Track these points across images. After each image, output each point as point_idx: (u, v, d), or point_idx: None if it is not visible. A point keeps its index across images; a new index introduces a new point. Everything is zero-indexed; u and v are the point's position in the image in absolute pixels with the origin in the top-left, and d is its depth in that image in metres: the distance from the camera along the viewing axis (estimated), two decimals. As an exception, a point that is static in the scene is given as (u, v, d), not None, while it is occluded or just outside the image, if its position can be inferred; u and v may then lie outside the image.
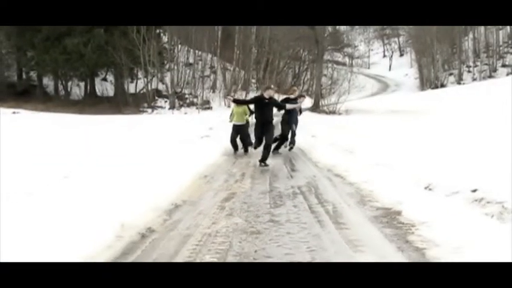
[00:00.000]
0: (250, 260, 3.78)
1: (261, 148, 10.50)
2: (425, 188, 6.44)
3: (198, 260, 3.77)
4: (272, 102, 10.76)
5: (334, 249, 4.04)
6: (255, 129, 10.76)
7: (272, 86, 11.69)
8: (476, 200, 5.30)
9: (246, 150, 12.36)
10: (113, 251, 4.00)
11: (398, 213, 5.29)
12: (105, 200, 5.36)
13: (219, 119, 21.46)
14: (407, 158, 8.52)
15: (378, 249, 4.05)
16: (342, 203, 6.14)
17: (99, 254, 3.84)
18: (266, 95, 10.68)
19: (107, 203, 5.17)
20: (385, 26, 77.16)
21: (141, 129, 18.80)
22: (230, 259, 3.79)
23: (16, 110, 32.01)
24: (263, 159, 10.14)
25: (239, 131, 12.50)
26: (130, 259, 3.86)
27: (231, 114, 13.13)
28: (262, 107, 10.59)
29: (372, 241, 4.29)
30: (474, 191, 5.57)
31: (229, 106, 41.53)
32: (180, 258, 3.82)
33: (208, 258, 3.80)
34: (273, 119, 10.83)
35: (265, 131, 10.54)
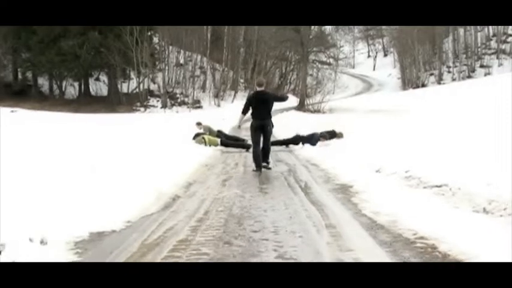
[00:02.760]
0: (248, 209, 5.94)
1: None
2: (376, 171, 8.56)
3: (213, 211, 5.89)
4: (270, 96, 10.21)
5: (301, 205, 6.24)
6: (252, 136, 10.09)
7: (262, 78, 11.87)
8: (405, 177, 7.47)
9: (243, 147, 13.76)
10: (157, 206, 6.13)
11: (351, 186, 7.45)
12: (139, 178, 7.39)
13: (210, 117, 23.45)
14: (369, 149, 10.63)
15: (329, 204, 6.23)
16: (312, 181, 8.30)
17: (149, 207, 5.96)
18: (259, 87, 10.23)
19: (142, 180, 7.22)
20: (369, 27, 79.35)
21: (141, 127, 20.74)
22: (234, 209, 5.94)
23: (14, 109, 33.56)
24: (265, 160, 9.82)
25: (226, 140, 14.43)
26: (171, 210, 5.99)
27: (203, 141, 13.87)
28: (259, 104, 9.89)
29: (326, 201, 6.49)
30: (407, 171, 7.74)
31: (218, 105, 43.65)
32: (202, 210, 5.94)
33: (220, 209, 5.96)
34: (271, 121, 10.03)
35: (262, 134, 9.90)
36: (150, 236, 4.71)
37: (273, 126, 10.17)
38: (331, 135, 14.14)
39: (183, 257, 4.02)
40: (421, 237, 4.42)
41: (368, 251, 4.16)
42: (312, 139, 13.83)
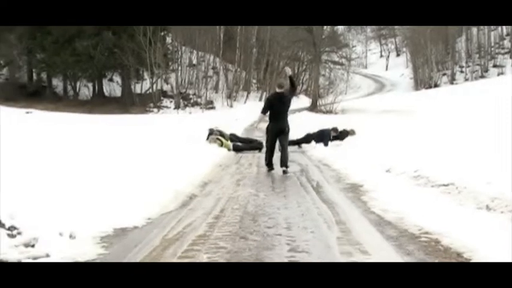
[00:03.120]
0: (262, 207, 6.22)
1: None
2: (386, 171, 8.82)
3: (229, 209, 6.17)
4: (289, 98, 10.02)
5: (312, 203, 6.53)
6: (268, 139, 10.16)
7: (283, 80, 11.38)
8: (414, 177, 7.74)
9: (255, 148, 14.15)
10: (176, 204, 6.43)
11: (361, 186, 7.72)
12: (157, 178, 7.66)
13: (222, 118, 23.79)
14: (380, 150, 10.87)
15: (340, 203, 6.51)
16: (324, 181, 8.58)
17: (168, 205, 6.26)
18: (279, 89, 10.03)
19: (160, 180, 7.49)
20: (382, 27, 79.40)
21: (156, 128, 21.06)
22: (249, 207, 6.24)
23: (29, 110, 33.96)
24: (285, 164, 9.71)
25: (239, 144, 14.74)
26: (188, 208, 6.29)
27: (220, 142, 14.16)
28: (278, 107, 9.86)
29: (337, 199, 6.78)
30: (416, 171, 7.99)
31: (231, 106, 43.97)
32: (218, 208, 6.23)
33: (236, 207, 6.25)
34: (288, 124, 10.06)
35: (280, 136, 9.96)
36: (170, 232, 5.00)
37: (289, 130, 10.17)
38: (344, 135, 14.42)
39: (202, 250, 4.31)
40: (426, 232, 4.69)
41: (375, 244, 4.45)
42: (323, 136, 14.11)
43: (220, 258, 4.08)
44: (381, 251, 4.24)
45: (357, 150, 11.82)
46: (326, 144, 13.83)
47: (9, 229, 4.42)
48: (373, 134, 14.98)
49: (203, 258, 4.08)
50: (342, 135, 14.39)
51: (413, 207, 5.71)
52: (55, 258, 3.96)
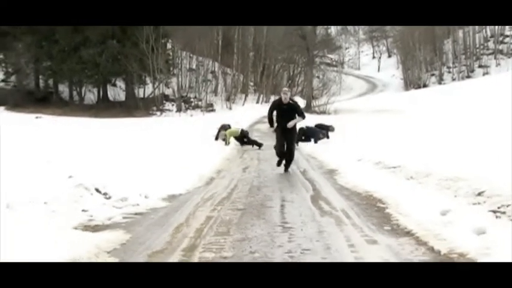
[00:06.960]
0: (263, 183, 8.88)
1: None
2: (358, 160, 11.41)
3: (240, 185, 8.81)
4: (292, 107, 10.52)
5: (299, 180, 9.28)
6: (277, 138, 10.73)
7: (285, 89, 11.46)
8: (376, 163, 10.34)
9: (256, 144, 16.86)
10: (201, 183, 9.10)
11: (336, 170, 10.39)
12: (185, 166, 10.29)
13: (223, 120, 26.27)
14: (356, 144, 13.54)
15: (318, 180, 9.23)
16: (309, 168, 11.25)
17: (196, 183, 8.92)
18: (283, 99, 10.48)
19: (187, 167, 10.12)
20: (374, 29, 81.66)
21: (170, 130, 23.64)
22: (254, 183, 8.93)
23: (38, 115, 35.94)
24: (287, 165, 10.73)
25: (242, 138, 17.44)
26: (211, 185, 8.94)
27: (224, 139, 16.96)
28: (282, 113, 10.56)
29: (316, 178, 9.52)
30: (378, 159, 10.61)
31: (230, 108, 46.40)
32: (233, 184, 8.89)
33: (245, 183, 8.93)
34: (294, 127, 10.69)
35: (286, 137, 10.59)
36: (204, 196, 7.71)
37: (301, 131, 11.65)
38: (328, 130, 17.44)
39: (228, 202, 7.03)
40: (367, 192, 7.45)
41: (334, 198, 7.24)
42: (314, 136, 16.78)
43: (239, 204, 6.82)
44: (336, 200, 6.99)
45: (339, 146, 14.51)
46: (316, 142, 16.48)
47: (104, 194, 7.07)
48: (354, 131, 17.76)
49: (229, 205, 6.78)
50: (327, 128, 17.39)
51: (366, 180, 8.38)
52: (142, 206, 6.67)
